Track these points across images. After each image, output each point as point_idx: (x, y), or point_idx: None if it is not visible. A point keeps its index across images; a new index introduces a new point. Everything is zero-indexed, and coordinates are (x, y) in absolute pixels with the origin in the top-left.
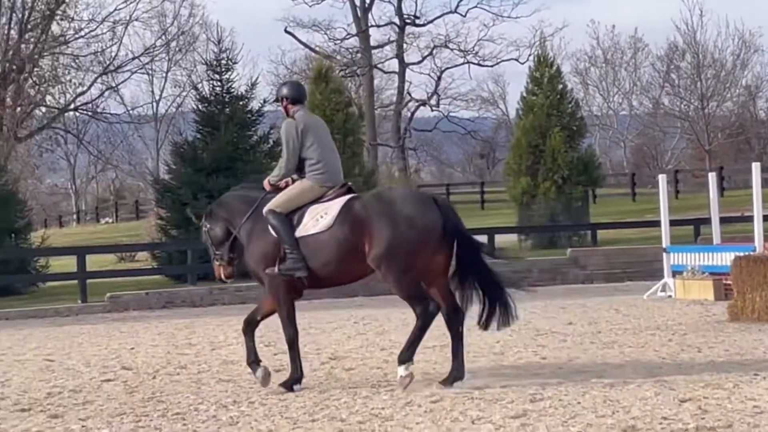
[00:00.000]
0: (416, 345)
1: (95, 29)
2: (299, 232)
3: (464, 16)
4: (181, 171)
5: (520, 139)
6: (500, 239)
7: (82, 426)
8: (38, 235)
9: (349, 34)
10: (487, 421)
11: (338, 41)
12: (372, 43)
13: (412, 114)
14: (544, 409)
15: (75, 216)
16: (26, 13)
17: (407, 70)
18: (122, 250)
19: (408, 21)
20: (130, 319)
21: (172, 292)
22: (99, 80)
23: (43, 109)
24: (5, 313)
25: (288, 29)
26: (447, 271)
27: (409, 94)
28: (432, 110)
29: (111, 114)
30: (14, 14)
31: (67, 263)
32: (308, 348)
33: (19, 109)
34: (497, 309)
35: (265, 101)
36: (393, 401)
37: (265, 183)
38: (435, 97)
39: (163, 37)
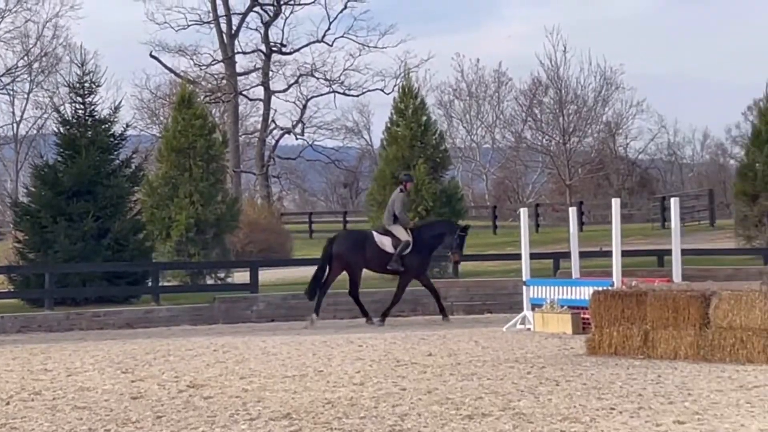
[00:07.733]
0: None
1: None
2: None
3: (331, 45)
4: (40, 194)
5: (383, 169)
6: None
7: None
8: None
9: (215, 60)
10: None
11: (204, 67)
12: (238, 69)
13: (277, 142)
14: None
15: None
16: None
17: (272, 98)
18: None
19: (274, 49)
20: None
21: (29, 317)
22: None
23: None
24: None
25: (153, 53)
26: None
27: (274, 122)
28: (296, 138)
29: None
30: None
31: None
32: (166, 375)
33: None
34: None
35: (128, 125)
36: (252, 431)
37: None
38: (300, 125)
39: (26, 58)
